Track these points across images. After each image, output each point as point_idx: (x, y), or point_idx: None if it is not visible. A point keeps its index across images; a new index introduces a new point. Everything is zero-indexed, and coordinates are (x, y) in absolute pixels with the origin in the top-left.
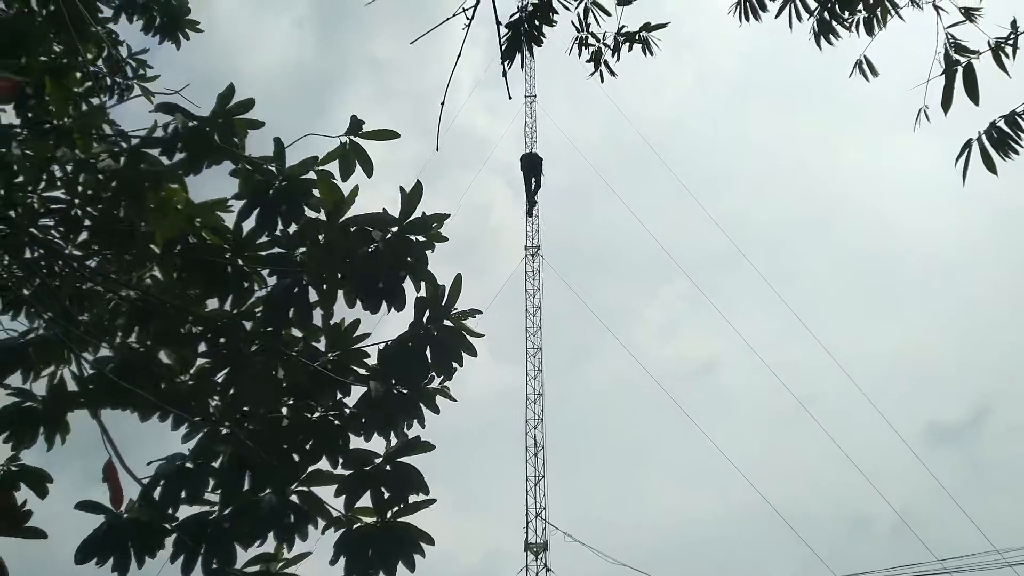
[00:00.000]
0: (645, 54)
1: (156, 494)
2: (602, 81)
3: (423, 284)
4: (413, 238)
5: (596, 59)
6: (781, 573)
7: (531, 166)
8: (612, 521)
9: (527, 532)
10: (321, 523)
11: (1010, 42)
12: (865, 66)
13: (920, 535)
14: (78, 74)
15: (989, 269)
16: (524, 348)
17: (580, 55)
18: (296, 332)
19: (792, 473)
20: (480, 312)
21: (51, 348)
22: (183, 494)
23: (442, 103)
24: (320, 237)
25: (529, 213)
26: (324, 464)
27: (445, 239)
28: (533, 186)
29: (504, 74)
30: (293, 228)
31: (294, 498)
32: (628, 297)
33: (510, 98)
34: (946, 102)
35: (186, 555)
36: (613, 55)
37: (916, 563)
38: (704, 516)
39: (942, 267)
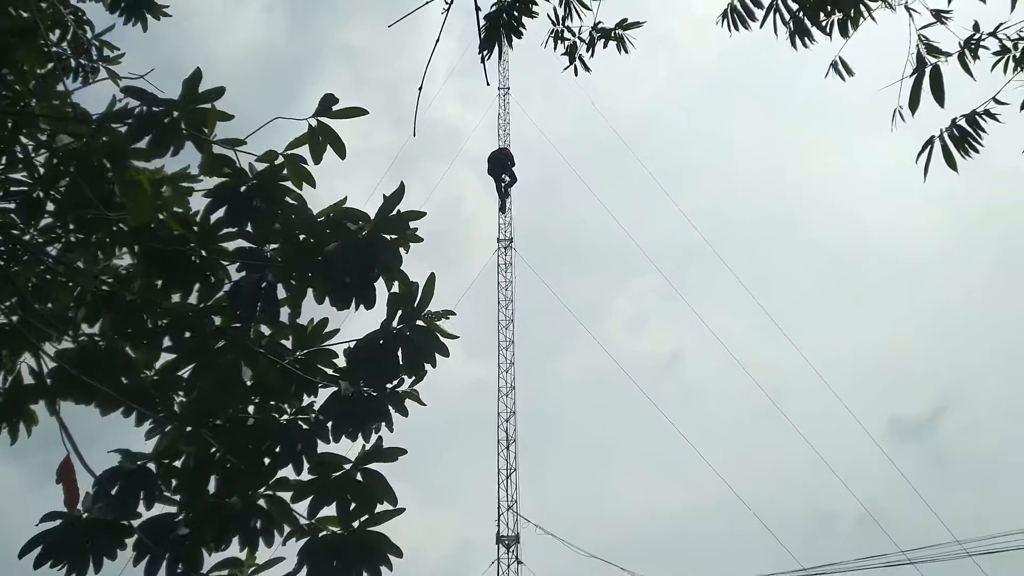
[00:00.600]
0: (620, 52)
1: (113, 492)
2: (576, 75)
3: (395, 282)
4: (387, 236)
5: (571, 53)
6: (750, 566)
7: (498, 164)
8: (583, 514)
9: (499, 525)
10: (286, 530)
11: (973, 43)
12: (840, 66)
13: (885, 528)
14: (44, 47)
15: (955, 269)
16: (496, 341)
17: (556, 48)
18: (263, 329)
19: (761, 468)
20: (454, 313)
21: (10, 338)
22: (142, 494)
23: (419, 87)
24: (292, 231)
25: (502, 210)
26: (290, 469)
27: (420, 239)
28: (505, 183)
29: (482, 60)
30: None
31: (261, 502)
32: (599, 290)
33: (488, 84)
34: (914, 103)
35: (150, 558)
36: (588, 50)
37: (881, 554)
38: (674, 509)
39: (909, 267)
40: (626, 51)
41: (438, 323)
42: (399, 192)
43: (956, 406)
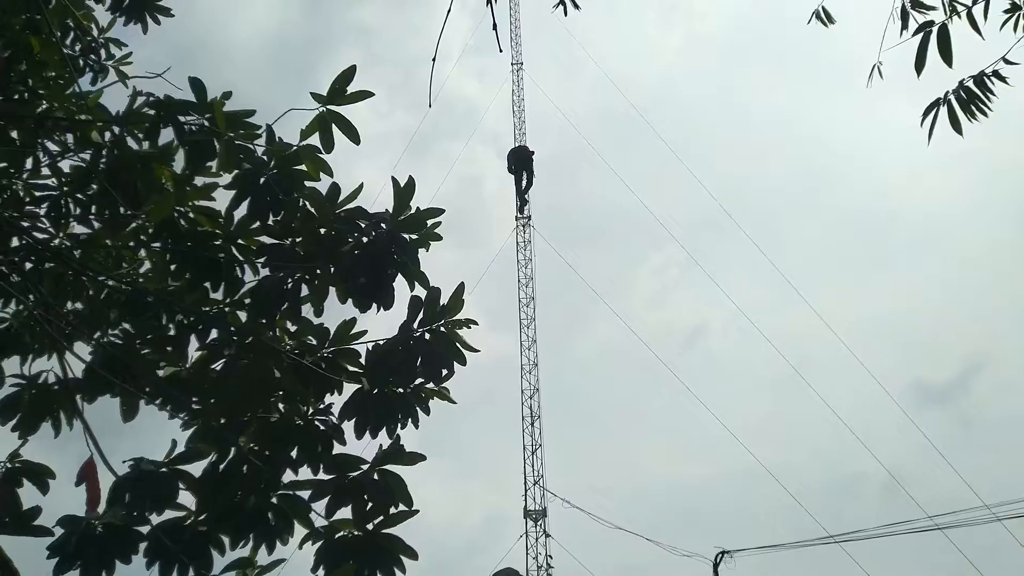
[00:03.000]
0: None
1: (128, 497)
2: (565, 15)
3: (415, 283)
4: (406, 236)
5: None
6: (775, 534)
7: (519, 162)
8: (609, 486)
9: (525, 500)
10: (301, 531)
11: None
12: (823, 15)
13: (912, 493)
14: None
15: (979, 228)
16: (518, 319)
17: None
18: (288, 326)
19: (785, 436)
20: (476, 323)
21: (38, 339)
22: (156, 499)
23: (433, 58)
24: (312, 228)
25: (520, 210)
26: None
27: (439, 238)
28: (524, 183)
29: (494, 27)
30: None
31: (275, 501)
32: (620, 264)
33: (500, 51)
34: (919, 63)
35: (162, 562)
36: None
37: (908, 520)
38: (699, 479)
39: (932, 228)
40: None
41: (459, 332)
42: (410, 184)
43: (985, 367)
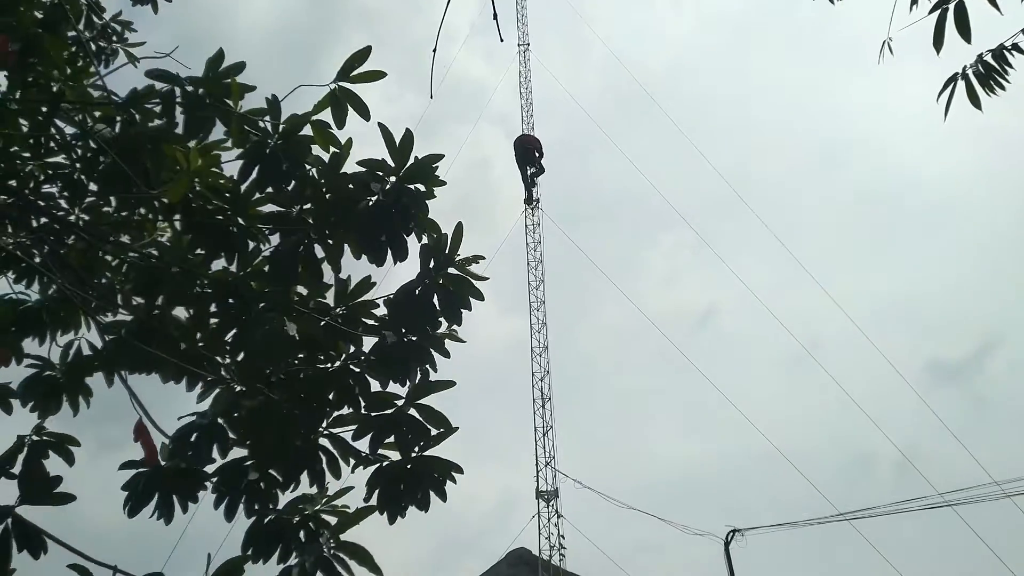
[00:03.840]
0: None
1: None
2: None
3: (424, 234)
4: (413, 187)
5: None
6: (788, 514)
7: (524, 153)
8: (620, 466)
9: (537, 481)
10: (351, 462)
11: None
12: None
13: (924, 471)
14: (70, 34)
15: (994, 204)
16: (528, 302)
17: None
18: (302, 290)
19: (797, 416)
20: (483, 257)
21: (65, 313)
22: (213, 447)
23: (434, 50)
24: (321, 192)
25: (528, 201)
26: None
27: (443, 183)
28: (530, 172)
29: (494, 16)
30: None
31: (323, 441)
32: (630, 246)
33: (502, 40)
34: (938, 40)
35: (229, 500)
36: None
37: (920, 497)
38: (710, 460)
39: (946, 204)
40: None
41: (468, 268)
42: (407, 138)
43: (1000, 345)
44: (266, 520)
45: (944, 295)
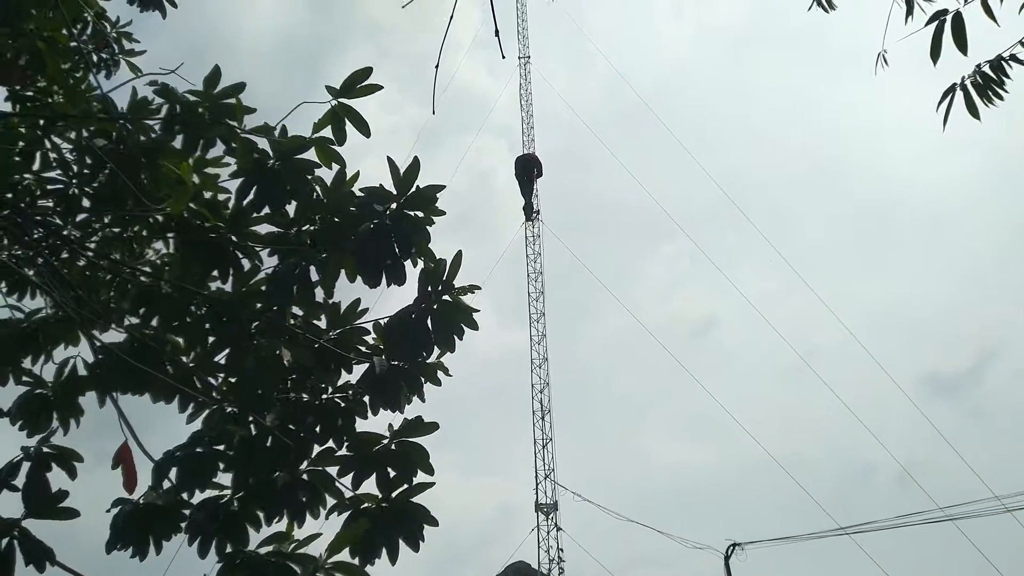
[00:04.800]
0: None
1: (169, 477)
2: None
3: (422, 259)
4: (413, 214)
5: None
6: (787, 526)
7: (524, 171)
8: (619, 478)
9: (536, 494)
10: (330, 502)
11: None
12: (824, 1)
13: (925, 484)
14: (71, 44)
15: (991, 214)
16: (528, 314)
17: None
18: (296, 310)
19: (795, 427)
20: (479, 288)
21: (59, 330)
22: (195, 478)
23: (436, 66)
24: (320, 216)
25: (528, 218)
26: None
27: (443, 213)
28: (532, 190)
29: (496, 33)
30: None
31: (305, 477)
32: (629, 257)
33: (503, 57)
34: (935, 52)
35: (201, 538)
36: None
37: (919, 511)
38: (709, 471)
39: (943, 214)
40: None
41: (463, 298)
42: (414, 165)
43: (998, 357)
44: (237, 561)
45: (942, 306)
